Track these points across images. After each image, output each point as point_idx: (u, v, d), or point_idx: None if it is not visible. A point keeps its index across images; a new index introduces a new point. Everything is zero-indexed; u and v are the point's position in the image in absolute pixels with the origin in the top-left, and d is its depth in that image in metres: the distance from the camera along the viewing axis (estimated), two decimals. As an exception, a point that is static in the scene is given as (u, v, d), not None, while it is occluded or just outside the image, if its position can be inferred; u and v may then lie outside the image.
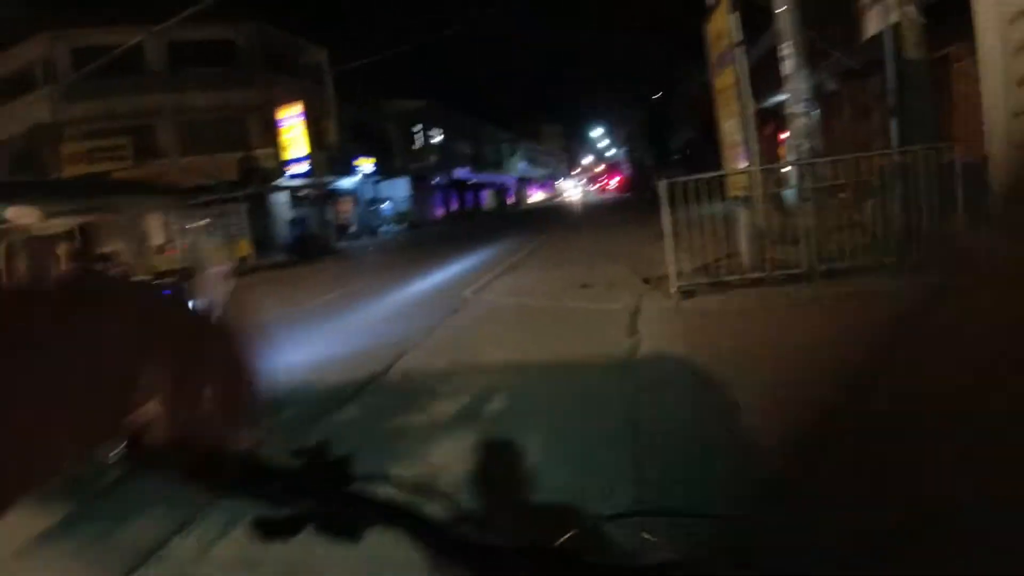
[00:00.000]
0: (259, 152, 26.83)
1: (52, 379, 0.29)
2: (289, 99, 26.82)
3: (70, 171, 23.40)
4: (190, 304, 0.41)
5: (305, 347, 7.31)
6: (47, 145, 23.85)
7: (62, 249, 11.46)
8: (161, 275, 20.75)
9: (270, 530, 0.75)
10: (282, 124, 27.21)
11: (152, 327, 0.35)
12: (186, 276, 9.93)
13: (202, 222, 21.21)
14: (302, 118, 26.84)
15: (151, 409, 0.37)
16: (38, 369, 0.28)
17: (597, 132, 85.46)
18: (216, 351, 0.39)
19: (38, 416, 0.28)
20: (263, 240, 25.95)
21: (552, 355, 5.63)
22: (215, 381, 0.39)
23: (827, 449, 0.30)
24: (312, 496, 0.76)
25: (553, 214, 38.16)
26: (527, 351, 5.88)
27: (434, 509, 0.79)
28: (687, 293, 7.12)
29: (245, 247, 24.14)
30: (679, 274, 7.21)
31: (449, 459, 3.70)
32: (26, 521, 3.20)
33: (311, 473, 0.78)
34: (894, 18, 8.03)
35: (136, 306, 0.35)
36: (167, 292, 0.41)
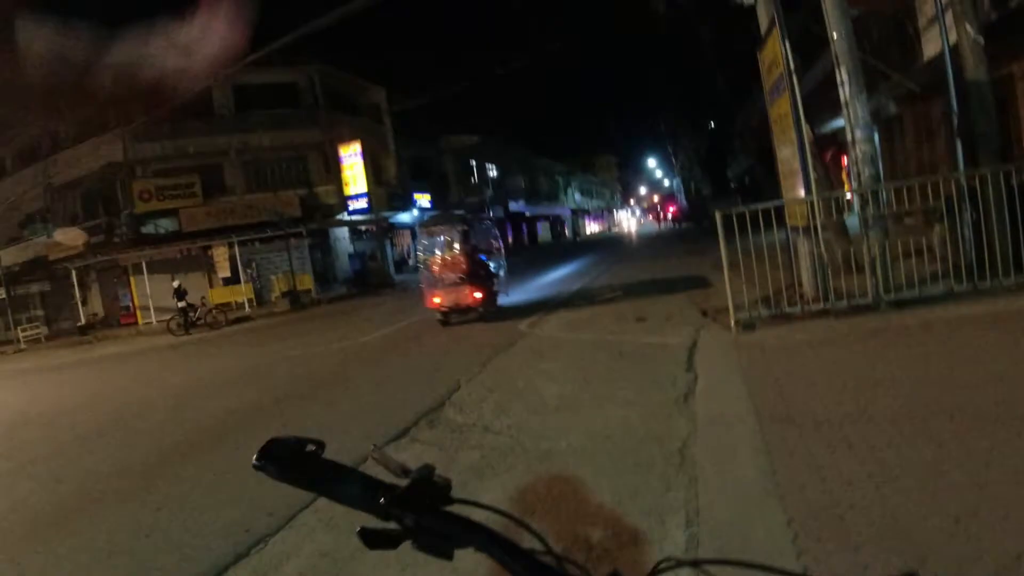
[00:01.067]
0: (320, 189, 27.64)
1: None
2: (349, 137, 27.62)
3: (141, 207, 24.56)
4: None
5: (365, 385, 7.42)
6: (119, 182, 25.12)
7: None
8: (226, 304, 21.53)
9: (375, 540, 0.85)
10: (343, 161, 28.00)
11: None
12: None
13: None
14: (361, 156, 27.58)
15: None
16: None
17: (652, 162, 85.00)
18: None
19: None
20: (325, 274, 26.62)
21: (608, 391, 5.54)
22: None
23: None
24: (415, 513, 0.84)
25: (608, 245, 37.98)
26: (582, 387, 5.81)
27: (518, 536, 0.86)
28: (747, 326, 6.94)
29: (307, 281, 24.79)
30: (738, 306, 7.03)
31: (513, 493, 3.67)
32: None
33: (415, 492, 0.86)
34: (953, 38, 7.78)
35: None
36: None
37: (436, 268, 11.52)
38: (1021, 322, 5.16)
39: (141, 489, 4.86)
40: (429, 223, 12.72)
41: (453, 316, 11.52)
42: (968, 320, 5.69)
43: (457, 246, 11.54)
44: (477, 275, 11.38)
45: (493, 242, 13.42)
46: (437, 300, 11.33)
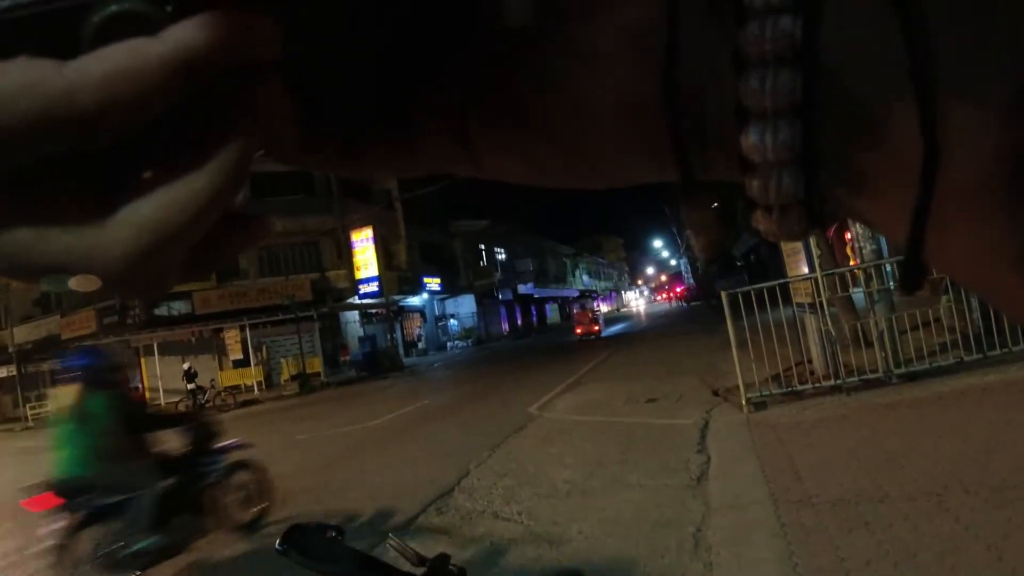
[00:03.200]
0: (332, 273, 28.04)
1: None
2: (361, 223, 28.23)
3: (155, 291, 24.85)
4: None
5: (373, 470, 7.34)
6: (135, 266, 25.51)
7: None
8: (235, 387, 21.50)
9: None
10: (355, 246, 28.53)
11: None
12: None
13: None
14: (372, 241, 28.11)
15: None
16: None
17: (658, 243, 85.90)
18: None
19: None
20: (334, 357, 26.65)
21: (618, 475, 5.47)
22: None
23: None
24: None
25: (617, 325, 37.98)
26: (593, 471, 5.73)
27: None
28: (758, 405, 6.88)
29: (317, 364, 24.80)
30: (748, 385, 7.00)
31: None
32: None
33: None
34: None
35: None
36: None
37: (580, 316, 28.19)
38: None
39: (156, 573, 4.78)
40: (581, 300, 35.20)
41: (584, 337, 25.74)
42: (979, 390, 5.65)
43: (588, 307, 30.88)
44: (597, 320, 28.09)
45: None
46: (579, 331, 26.79)
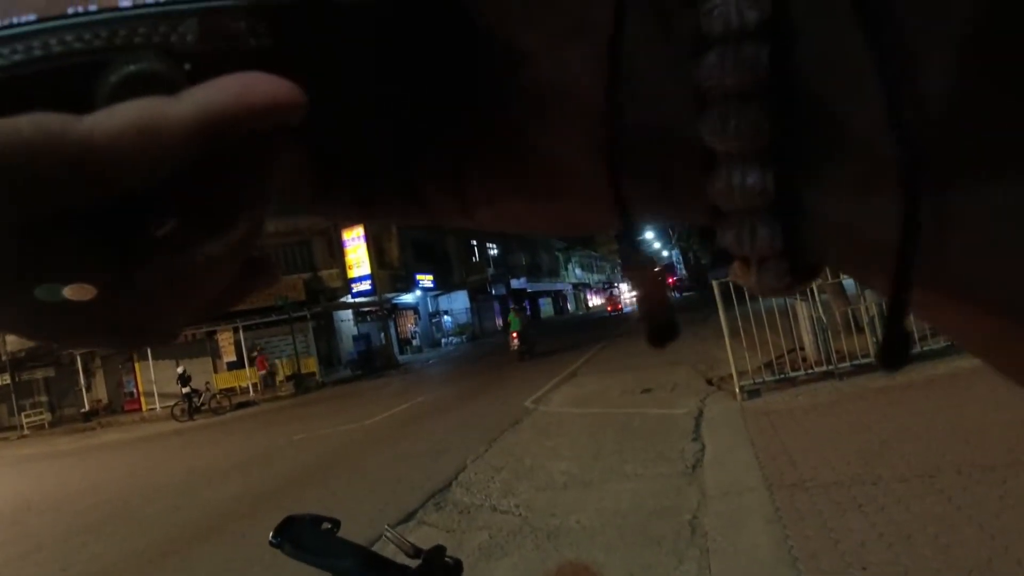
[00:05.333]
0: (324, 272, 27.96)
1: None
2: (353, 223, 28.12)
3: (148, 296, 24.76)
4: None
5: (370, 468, 7.35)
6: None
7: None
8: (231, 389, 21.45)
9: None
10: (347, 245, 28.44)
11: None
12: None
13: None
14: (364, 239, 28.04)
15: None
16: None
17: (650, 235, 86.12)
18: None
19: None
20: (329, 356, 26.59)
21: (615, 465, 5.50)
22: None
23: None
24: None
25: (612, 317, 38.05)
26: (590, 462, 5.76)
27: None
28: (752, 392, 6.93)
29: (312, 364, 24.75)
30: (742, 373, 7.04)
31: (522, 573, 3.63)
32: None
33: (426, 572, 0.89)
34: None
35: None
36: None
37: (609, 300, 50.69)
38: None
39: (146, 580, 4.80)
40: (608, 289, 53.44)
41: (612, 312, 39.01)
42: (970, 372, 5.69)
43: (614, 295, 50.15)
44: (619, 301, 47.70)
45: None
46: (609, 308, 46.52)
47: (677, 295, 53.93)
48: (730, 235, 0.21)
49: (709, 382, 8.35)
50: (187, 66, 0.19)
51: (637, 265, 0.23)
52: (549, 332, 28.91)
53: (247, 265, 0.26)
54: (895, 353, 0.20)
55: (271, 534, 1.00)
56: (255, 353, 22.62)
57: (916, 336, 6.68)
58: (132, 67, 0.18)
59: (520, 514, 4.73)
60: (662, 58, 0.21)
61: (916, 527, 3.12)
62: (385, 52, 0.23)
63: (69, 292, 0.19)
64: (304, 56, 0.22)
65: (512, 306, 27.29)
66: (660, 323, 0.22)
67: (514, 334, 18.75)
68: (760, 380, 7.07)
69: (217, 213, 0.21)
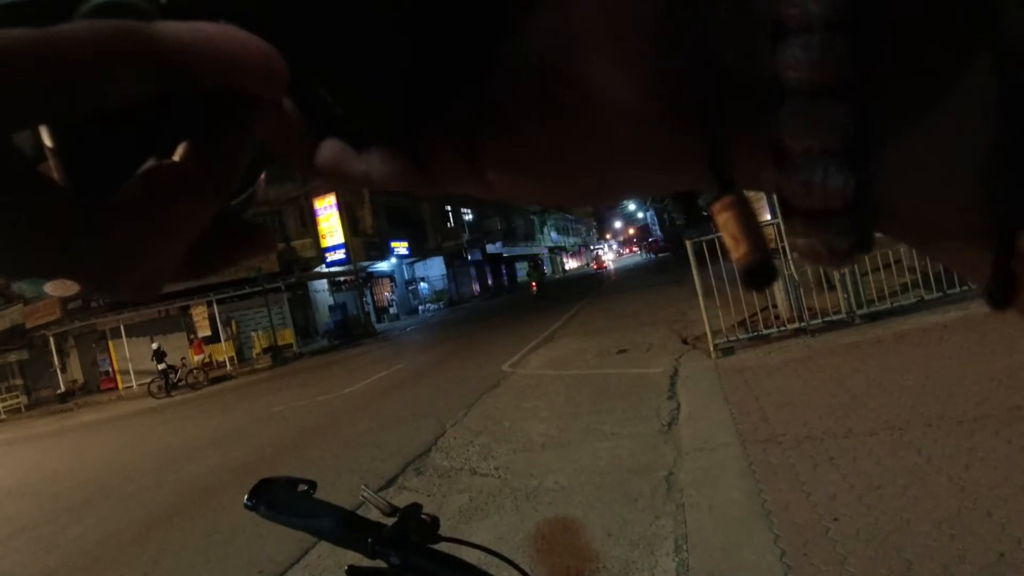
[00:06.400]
0: (297, 242, 27.68)
1: None
2: (324, 190, 27.78)
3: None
4: None
5: (350, 436, 7.36)
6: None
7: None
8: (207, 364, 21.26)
9: None
10: (319, 214, 28.13)
11: None
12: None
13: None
14: (336, 208, 27.74)
15: None
16: None
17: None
18: None
19: None
20: (305, 327, 26.47)
21: (592, 425, 5.55)
22: None
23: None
24: (401, 550, 0.87)
25: (588, 280, 38.23)
26: (567, 423, 5.82)
27: (508, 574, 0.92)
28: (726, 350, 7.01)
29: (288, 335, 24.62)
30: (716, 332, 7.12)
31: (502, 533, 3.67)
32: None
33: (401, 530, 0.88)
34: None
35: None
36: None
37: (597, 260, 68.26)
38: (990, 325, 5.27)
39: (130, 555, 4.79)
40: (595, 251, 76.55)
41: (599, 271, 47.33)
42: (940, 327, 5.81)
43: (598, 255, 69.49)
44: (603, 261, 66.91)
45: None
46: (595, 267, 61.32)
47: (652, 256, 54.25)
48: (797, 181, 0.19)
49: (684, 341, 8.44)
50: (163, 0, 0.19)
51: (734, 206, 0.21)
52: (547, 291, 29.02)
53: (243, 231, 0.26)
54: (1003, 292, 0.18)
55: (246, 497, 1.00)
56: (192, 336, 22.08)
57: (887, 292, 6.80)
58: None
59: (499, 476, 4.77)
60: None
61: (886, 479, 3.19)
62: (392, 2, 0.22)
63: (51, 288, 0.20)
64: (296, 8, 0.21)
65: (530, 263, 36.00)
66: (757, 264, 0.20)
67: (533, 284, 30.98)
68: (734, 338, 7.15)
69: (196, 157, 0.21)
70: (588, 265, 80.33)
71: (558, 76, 0.23)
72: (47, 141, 0.20)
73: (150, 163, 0.21)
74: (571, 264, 77.46)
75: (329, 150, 0.27)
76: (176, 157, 0.21)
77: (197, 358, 21.28)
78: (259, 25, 0.20)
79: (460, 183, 0.28)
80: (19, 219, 0.18)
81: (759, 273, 0.20)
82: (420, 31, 0.23)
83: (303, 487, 1.07)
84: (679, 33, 0.20)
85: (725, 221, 0.21)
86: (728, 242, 0.21)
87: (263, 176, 0.29)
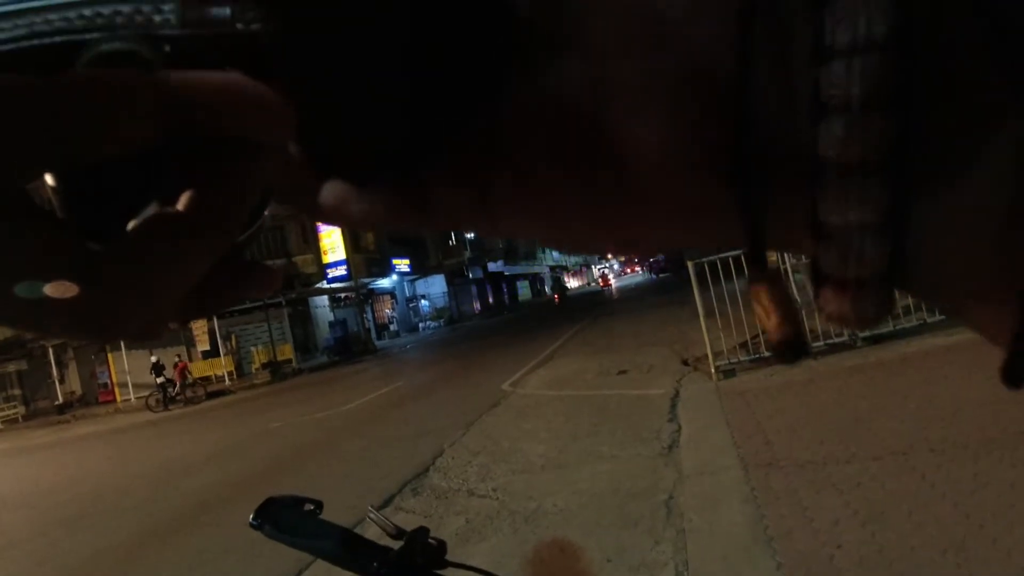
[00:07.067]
0: (298, 258, 27.72)
1: None
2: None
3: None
4: None
5: (347, 454, 7.32)
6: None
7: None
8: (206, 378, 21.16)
9: None
10: (320, 230, 28.19)
11: None
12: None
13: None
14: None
15: None
16: None
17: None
18: None
19: None
20: (305, 343, 26.42)
21: (591, 447, 5.51)
22: None
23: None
24: (407, 575, 0.86)
25: (589, 299, 38.21)
26: (566, 445, 5.77)
27: None
28: (727, 372, 6.97)
29: (288, 351, 24.57)
30: (717, 353, 7.08)
31: (500, 557, 3.62)
32: None
33: (408, 555, 0.87)
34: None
35: None
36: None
37: (603, 278, 66.79)
38: (994, 349, 5.22)
39: (124, 571, 4.76)
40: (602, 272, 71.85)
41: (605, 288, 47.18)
42: (943, 350, 5.77)
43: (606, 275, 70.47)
44: (609, 279, 64.41)
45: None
46: (602, 283, 58.43)
47: (654, 276, 54.30)
48: (833, 253, 0.19)
49: (685, 363, 8.40)
50: (167, 48, 0.19)
51: (766, 281, 0.22)
52: (548, 311, 28.99)
53: (244, 269, 0.26)
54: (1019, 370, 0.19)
55: (251, 515, 0.98)
56: (176, 359, 21.29)
57: (889, 315, 6.76)
58: (106, 46, 0.18)
59: (497, 498, 4.72)
60: (781, 58, 0.19)
61: (890, 505, 3.15)
62: (395, 39, 0.22)
63: (50, 290, 0.19)
64: (299, 48, 0.21)
65: (555, 276, 46.66)
66: (792, 340, 0.21)
67: (556, 296, 44.22)
68: (735, 360, 7.11)
69: (200, 204, 0.21)
70: (590, 284, 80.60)
71: (582, 121, 0.22)
72: (50, 181, 0.20)
73: (153, 208, 0.21)
74: (572, 283, 77.53)
75: (332, 191, 0.27)
76: (180, 204, 0.21)
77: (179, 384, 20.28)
78: (263, 71, 0.20)
79: (468, 223, 0.27)
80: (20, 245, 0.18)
81: (791, 345, 0.21)
82: (421, 65, 0.22)
83: (309, 507, 1.05)
84: (720, 104, 0.20)
85: (758, 293, 0.22)
86: (759, 312, 0.22)
87: (266, 214, 0.28)
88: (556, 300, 41.35)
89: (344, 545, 0.93)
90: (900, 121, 0.18)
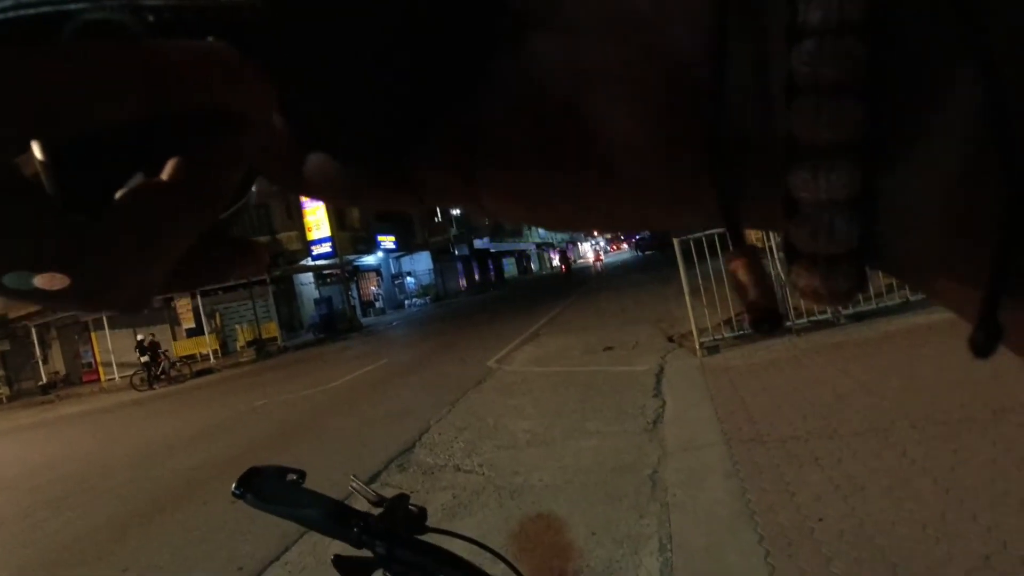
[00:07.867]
0: (283, 235, 27.50)
1: None
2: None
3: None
4: None
5: (333, 432, 7.31)
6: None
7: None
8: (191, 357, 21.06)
9: (349, 568, 0.87)
10: (305, 207, 27.96)
11: None
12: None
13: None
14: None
15: None
16: None
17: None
18: None
19: None
20: (290, 321, 26.31)
21: (577, 423, 5.54)
22: None
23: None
24: (387, 540, 0.87)
25: (575, 276, 38.27)
26: (552, 421, 5.80)
27: (493, 567, 0.93)
28: (711, 349, 7.02)
29: (273, 329, 24.47)
30: (702, 330, 7.13)
31: (486, 530, 3.64)
32: None
33: (387, 521, 0.88)
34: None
35: None
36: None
37: (562, 259, 59.49)
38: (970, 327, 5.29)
39: (108, 551, 4.73)
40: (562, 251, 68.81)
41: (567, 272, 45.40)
42: (925, 328, 5.83)
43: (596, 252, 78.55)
44: (568, 262, 56.23)
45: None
46: (564, 268, 51.29)
47: (640, 254, 54.47)
48: (804, 229, 0.20)
49: (670, 339, 8.45)
50: (151, 18, 0.19)
51: (743, 257, 0.22)
52: (534, 288, 28.98)
53: (233, 247, 0.27)
54: (988, 341, 0.20)
55: (234, 485, 0.98)
56: (147, 337, 20.68)
57: (872, 293, 6.83)
58: (95, 15, 0.18)
59: (484, 473, 4.75)
60: (755, 43, 0.20)
61: (871, 480, 3.19)
62: (385, 18, 0.22)
63: (40, 281, 0.19)
64: (288, 20, 0.21)
65: (562, 254, 52.92)
66: (765, 311, 0.21)
67: (564, 267, 52.10)
68: (720, 337, 7.16)
69: (185, 173, 0.21)
70: (576, 262, 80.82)
71: (561, 106, 0.22)
72: (38, 155, 0.20)
73: (138, 179, 0.21)
74: (558, 260, 77.69)
75: (316, 166, 0.27)
76: (165, 174, 0.21)
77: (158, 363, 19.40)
78: (248, 42, 0.20)
79: (452, 202, 0.28)
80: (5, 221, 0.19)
81: (766, 320, 0.21)
82: (407, 45, 0.22)
83: (292, 476, 1.05)
84: (695, 88, 0.20)
85: (735, 269, 0.22)
86: (737, 288, 0.22)
87: (253, 189, 0.28)
88: (564, 270, 50.44)
89: (325, 512, 0.94)
90: (870, 101, 0.18)
